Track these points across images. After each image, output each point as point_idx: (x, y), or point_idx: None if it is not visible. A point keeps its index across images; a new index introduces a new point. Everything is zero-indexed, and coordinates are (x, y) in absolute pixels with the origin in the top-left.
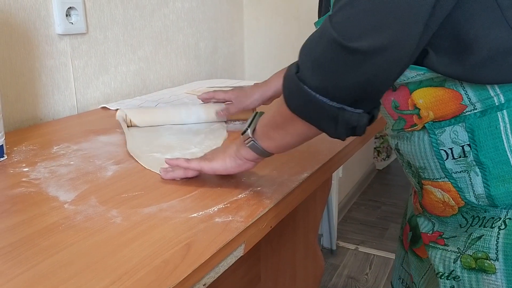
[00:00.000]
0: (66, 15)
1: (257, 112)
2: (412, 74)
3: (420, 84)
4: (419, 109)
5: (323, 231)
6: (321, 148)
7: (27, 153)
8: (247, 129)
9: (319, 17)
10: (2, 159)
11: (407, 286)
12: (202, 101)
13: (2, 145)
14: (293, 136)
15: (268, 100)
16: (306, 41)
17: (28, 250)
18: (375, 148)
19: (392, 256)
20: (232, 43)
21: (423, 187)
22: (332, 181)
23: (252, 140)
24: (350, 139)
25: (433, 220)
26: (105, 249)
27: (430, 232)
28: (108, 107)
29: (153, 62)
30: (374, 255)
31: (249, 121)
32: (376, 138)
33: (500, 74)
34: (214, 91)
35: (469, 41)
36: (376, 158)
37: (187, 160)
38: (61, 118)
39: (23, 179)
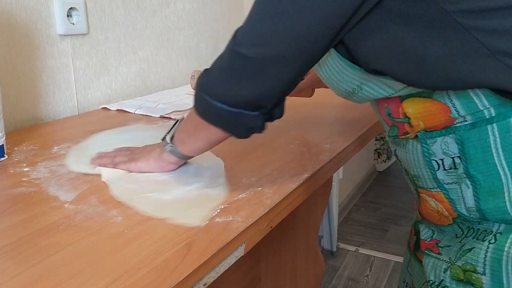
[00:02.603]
0: (67, 16)
1: (177, 120)
2: (400, 86)
3: (410, 95)
4: (409, 117)
5: (324, 233)
6: (321, 149)
7: (27, 153)
8: (165, 136)
9: None
10: (2, 159)
11: None
12: None
13: (3, 145)
14: (202, 140)
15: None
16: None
17: (28, 249)
18: (375, 150)
19: (392, 258)
20: None
21: (419, 195)
22: (333, 183)
23: (171, 146)
24: (347, 142)
25: (433, 228)
26: (105, 248)
27: (429, 240)
28: (109, 107)
29: (154, 63)
30: (374, 256)
31: (170, 128)
32: (376, 140)
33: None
34: None
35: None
36: (377, 160)
37: (114, 159)
38: (61, 118)
39: (24, 179)
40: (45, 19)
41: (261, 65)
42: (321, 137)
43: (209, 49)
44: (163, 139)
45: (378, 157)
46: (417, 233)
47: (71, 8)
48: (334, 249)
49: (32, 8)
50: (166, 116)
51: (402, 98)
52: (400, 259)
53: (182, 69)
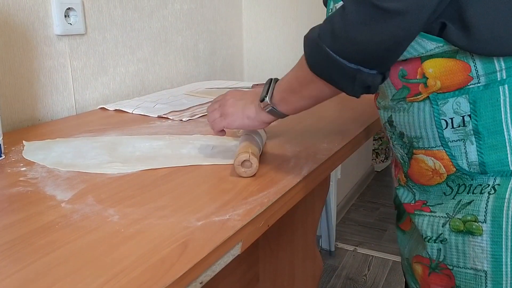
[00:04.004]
0: (65, 16)
1: (271, 79)
2: (432, 46)
3: (432, 55)
4: (427, 78)
5: (322, 232)
6: (319, 148)
7: None
8: (265, 96)
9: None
10: (0, 158)
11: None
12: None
13: (0, 144)
14: (309, 99)
15: None
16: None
17: (24, 248)
18: (373, 150)
19: (390, 257)
20: (230, 44)
21: (413, 156)
22: (331, 183)
23: (271, 106)
24: (345, 140)
25: (414, 190)
26: (101, 247)
27: (413, 202)
28: (106, 107)
29: (151, 63)
30: (372, 256)
31: (265, 87)
32: (374, 140)
33: (505, 48)
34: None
35: (471, 24)
36: (375, 159)
37: (211, 119)
38: (59, 118)
39: (21, 179)
40: (43, 19)
41: (396, 18)
42: (318, 136)
43: (207, 49)
44: (262, 100)
45: (376, 157)
46: (397, 207)
47: (68, 9)
48: (332, 249)
49: (29, 9)
50: (164, 116)
51: (423, 59)
52: (398, 258)
53: (180, 70)
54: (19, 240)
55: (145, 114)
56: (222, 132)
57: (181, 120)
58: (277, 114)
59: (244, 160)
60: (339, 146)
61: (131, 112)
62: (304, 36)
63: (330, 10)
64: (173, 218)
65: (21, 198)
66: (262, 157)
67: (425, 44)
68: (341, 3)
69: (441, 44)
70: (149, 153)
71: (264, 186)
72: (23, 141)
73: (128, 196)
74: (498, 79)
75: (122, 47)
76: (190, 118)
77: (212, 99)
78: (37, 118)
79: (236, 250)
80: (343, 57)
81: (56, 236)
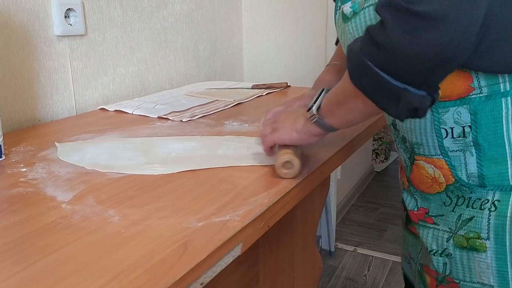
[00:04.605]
0: (65, 17)
1: (323, 89)
2: None
3: None
4: None
5: (322, 233)
6: (319, 149)
7: (25, 154)
8: (312, 106)
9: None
10: (0, 159)
11: (408, 262)
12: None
13: (0, 145)
14: (356, 113)
15: None
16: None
17: (25, 249)
18: (373, 150)
19: (390, 257)
20: (230, 45)
21: (414, 162)
22: (331, 183)
23: (317, 117)
24: (345, 140)
25: (416, 196)
26: (102, 248)
27: (416, 209)
28: (107, 108)
29: (151, 64)
30: (372, 256)
31: (314, 98)
32: (374, 140)
33: (507, 63)
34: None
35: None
36: (375, 160)
37: (261, 132)
38: (59, 119)
39: (21, 179)
40: (43, 20)
41: (440, 24)
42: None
43: (207, 50)
44: (308, 110)
45: (376, 157)
46: (406, 209)
47: (68, 9)
48: (332, 249)
49: (29, 9)
50: (164, 116)
51: None
52: (398, 258)
53: (180, 70)
54: (20, 241)
55: (145, 114)
56: (271, 151)
57: (181, 120)
58: (324, 127)
59: (286, 161)
60: (339, 146)
61: (131, 112)
62: (348, 46)
63: (338, 7)
64: (173, 219)
65: (21, 199)
66: (262, 158)
67: None
68: (349, 3)
69: None
70: (184, 154)
71: (264, 187)
72: (55, 143)
73: (129, 196)
74: (501, 91)
75: (122, 48)
76: (190, 118)
77: (212, 100)
78: (37, 119)
79: (237, 251)
80: (388, 73)
81: (57, 237)
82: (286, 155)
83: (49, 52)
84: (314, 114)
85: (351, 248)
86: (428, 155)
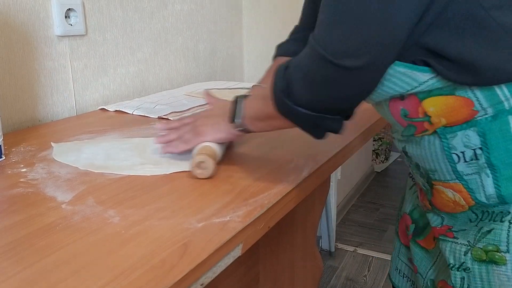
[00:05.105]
0: (65, 17)
1: (236, 99)
2: (424, 78)
3: (430, 93)
4: (430, 116)
5: (322, 233)
6: (319, 149)
7: (25, 154)
8: (234, 119)
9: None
10: (0, 159)
11: (405, 276)
12: None
13: (1, 145)
14: (276, 126)
15: None
16: (297, 58)
17: (25, 250)
18: (373, 150)
19: (390, 258)
20: (231, 45)
21: (433, 186)
22: (331, 183)
23: (241, 127)
24: (345, 141)
25: (442, 215)
26: (102, 249)
27: (439, 226)
28: (107, 108)
29: (152, 64)
30: (372, 257)
31: (234, 109)
32: (374, 140)
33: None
34: None
35: (470, 64)
36: (375, 160)
37: (182, 136)
38: (59, 119)
39: (21, 180)
40: (43, 20)
41: (357, 74)
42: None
43: (207, 50)
44: (233, 121)
45: (376, 157)
46: (415, 221)
47: (69, 9)
48: (332, 250)
49: (30, 9)
50: (164, 117)
51: (421, 98)
52: None
53: (180, 71)
54: (20, 242)
55: (145, 115)
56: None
57: None
58: (247, 131)
59: (200, 162)
60: (339, 147)
61: (131, 113)
62: (272, 80)
63: None
64: (173, 220)
65: (21, 199)
66: (262, 158)
67: (416, 76)
68: None
69: (434, 75)
70: (179, 155)
71: (264, 187)
72: (51, 143)
73: (129, 197)
74: (507, 108)
75: (123, 48)
76: None
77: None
78: (37, 119)
79: (237, 252)
80: (306, 108)
81: (57, 238)
82: (201, 156)
83: (49, 52)
84: (239, 125)
85: (351, 248)
86: (445, 180)
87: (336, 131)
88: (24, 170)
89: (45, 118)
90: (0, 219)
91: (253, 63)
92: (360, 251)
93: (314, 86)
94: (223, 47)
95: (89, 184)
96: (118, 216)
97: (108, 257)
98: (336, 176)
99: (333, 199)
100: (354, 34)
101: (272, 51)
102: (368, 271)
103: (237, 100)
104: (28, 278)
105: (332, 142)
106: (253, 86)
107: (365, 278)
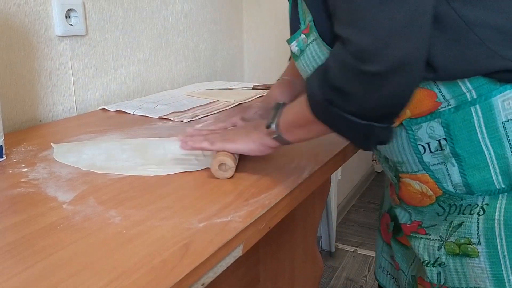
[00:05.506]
0: (66, 17)
1: (278, 105)
2: None
3: None
4: None
5: (322, 233)
6: (320, 150)
7: (26, 154)
8: (271, 124)
9: (291, 34)
10: (1, 159)
11: (388, 273)
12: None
13: (2, 145)
14: (315, 134)
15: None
16: (321, 69)
17: (26, 250)
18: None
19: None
20: (231, 45)
21: (400, 180)
22: (331, 184)
23: (277, 134)
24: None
25: (410, 210)
26: (103, 249)
27: (409, 223)
28: (107, 108)
29: (152, 64)
30: (372, 257)
31: (272, 115)
32: None
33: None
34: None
35: (430, 61)
36: (375, 160)
37: (209, 138)
38: (60, 119)
39: (22, 180)
40: (44, 20)
41: (390, 75)
42: (319, 137)
43: (207, 50)
44: (268, 126)
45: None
46: (394, 218)
47: (69, 10)
48: (333, 250)
49: (30, 10)
50: (164, 117)
51: None
52: None
53: (181, 71)
54: (21, 242)
55: (146, 115)
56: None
57: (182, 121)
58: (282, 142)
59: (221, 163)
60: (339, 147)
61: (132, 113)
62: (307, 94)
63: (304, 22)
64: (174, 220)
65: (22, 199)
66: (263, 159)
67: None
68: (294, 43)
69: None
70: (181, 155)
71: (265, 187)
72: (52, 144)
73: (130, 197)
74: (469, 100)
75: (123, 48)
76: (191, 119)
77: (213, 100)
78: (38, 119)
79: (238, 252)
80: (357, 116)
81: (58, 238)
82: (222, 157)
83: (50, 52)
84: (274, 131)
85: (351, 248)
86: (412, 172)
87: (386, 140)
88: (25, 170)
89: (46, 118)
90: (2, 219)
91: (254, 63)
92: (360, 251)
93: (352, 98)
94: (223, 47)
95: (90, 184)
96: (119, 216)
97: (109, 257)
98: (336, 176)
99: (333, 199)
100: (379, 31)
101: (272, 51)
102: (368, 271)
103: (277, 106)
104: (29, 278)
105: (333, 142)
106: (277, 80)
107: (365, 278)
